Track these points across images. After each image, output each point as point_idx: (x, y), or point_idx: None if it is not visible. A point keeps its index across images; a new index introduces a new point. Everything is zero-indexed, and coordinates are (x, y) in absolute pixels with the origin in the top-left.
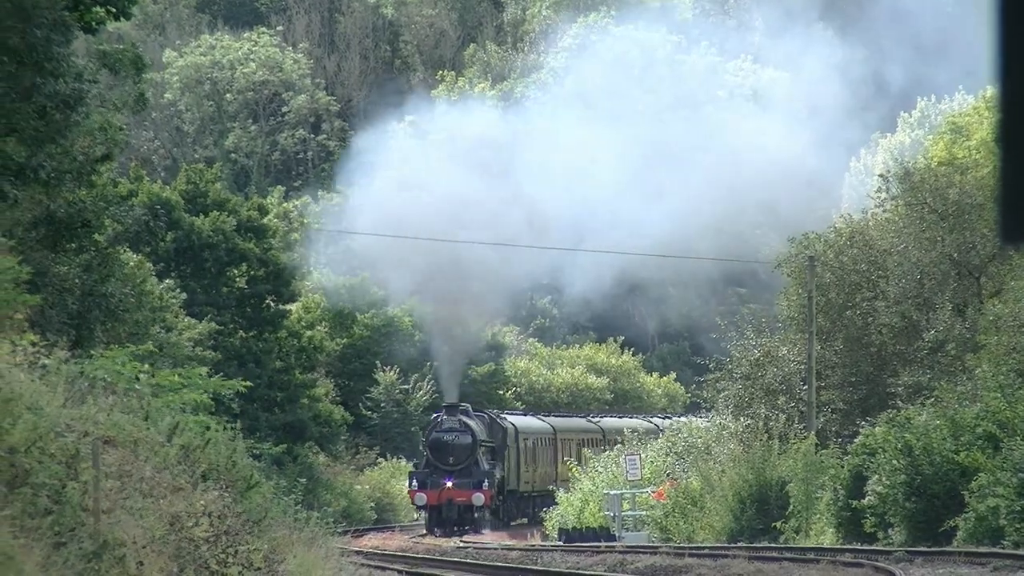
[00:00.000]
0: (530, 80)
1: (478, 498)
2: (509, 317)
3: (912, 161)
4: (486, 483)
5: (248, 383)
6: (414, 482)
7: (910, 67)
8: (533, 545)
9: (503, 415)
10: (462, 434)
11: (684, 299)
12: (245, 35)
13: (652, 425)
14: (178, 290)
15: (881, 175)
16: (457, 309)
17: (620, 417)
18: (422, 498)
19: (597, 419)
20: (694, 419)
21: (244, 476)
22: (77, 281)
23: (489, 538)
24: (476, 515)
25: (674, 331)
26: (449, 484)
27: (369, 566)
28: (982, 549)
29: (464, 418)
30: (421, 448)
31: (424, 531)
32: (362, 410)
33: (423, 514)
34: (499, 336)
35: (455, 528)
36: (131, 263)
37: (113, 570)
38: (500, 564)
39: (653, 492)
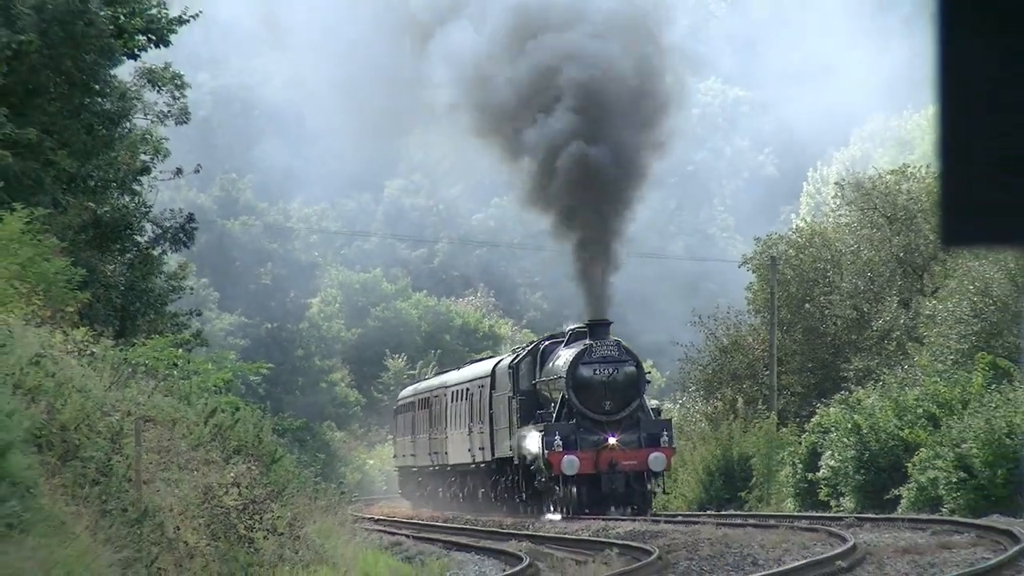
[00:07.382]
0: None
1: (657, 460)
2: (504, 310)
3: (863, 171)
4: (665, 437)
5: (270, 365)
6: (557, 440)
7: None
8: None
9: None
10: (622, 365)
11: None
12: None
13: None
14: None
15: (837, 183)
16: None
17: None
18: (573, 463)
19: None
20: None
21: (269, 451)
22: (121, 278)
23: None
24: (649, 486)
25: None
26: (613, 441)
27: (380, 531)
28: (923, 516)
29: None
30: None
31: (553, 511)
32: (374, 393)
33: (563, 487)
34: (495, 327)
35: (615, 508)
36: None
37: (153, 534)
38: (494, 529)
39: None
